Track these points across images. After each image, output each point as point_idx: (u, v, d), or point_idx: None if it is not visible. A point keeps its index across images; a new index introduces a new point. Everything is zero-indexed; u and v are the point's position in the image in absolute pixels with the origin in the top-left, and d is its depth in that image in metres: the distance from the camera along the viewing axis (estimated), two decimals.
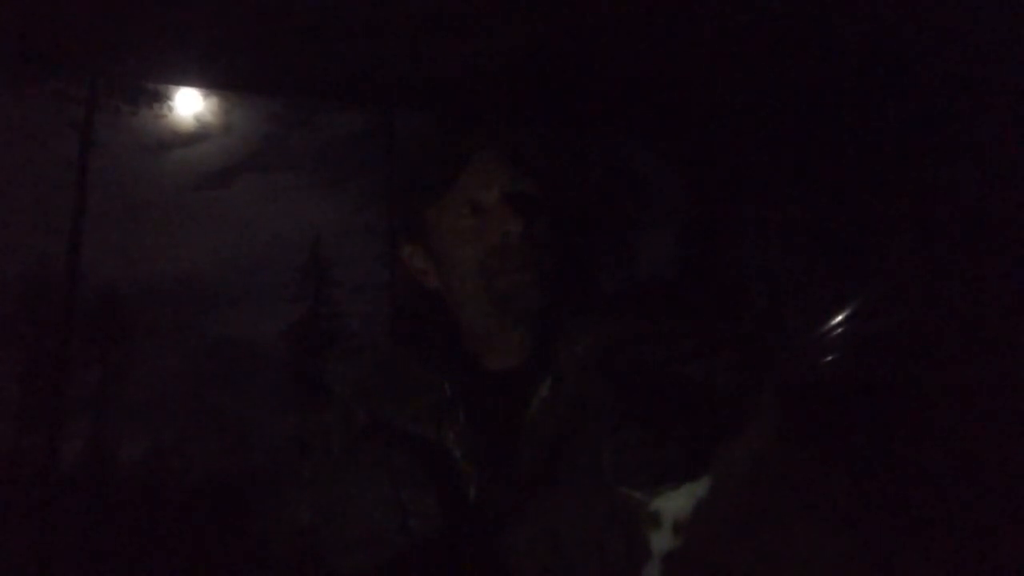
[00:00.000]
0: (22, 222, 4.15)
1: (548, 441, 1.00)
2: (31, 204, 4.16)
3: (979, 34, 1.83)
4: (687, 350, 0.87)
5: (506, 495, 1.06)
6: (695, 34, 1.95)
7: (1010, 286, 1.77)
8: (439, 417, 1.14)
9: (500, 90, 2.22)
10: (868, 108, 2.14)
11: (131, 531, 3.68)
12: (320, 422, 1.23)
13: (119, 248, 4.57)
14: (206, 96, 4.53)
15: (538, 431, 1.06)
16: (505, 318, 1.18)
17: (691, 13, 1.85)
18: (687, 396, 0.85)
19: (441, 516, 1.07)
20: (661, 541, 0.90)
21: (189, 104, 4.64)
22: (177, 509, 4.14)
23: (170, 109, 4.60)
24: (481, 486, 1.10)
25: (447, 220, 1.20)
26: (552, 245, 1.17)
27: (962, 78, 1.98)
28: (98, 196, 4.38)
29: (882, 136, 2.21)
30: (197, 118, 4.75)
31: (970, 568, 0.92)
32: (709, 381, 0.86)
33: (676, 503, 0.89)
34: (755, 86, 2.12)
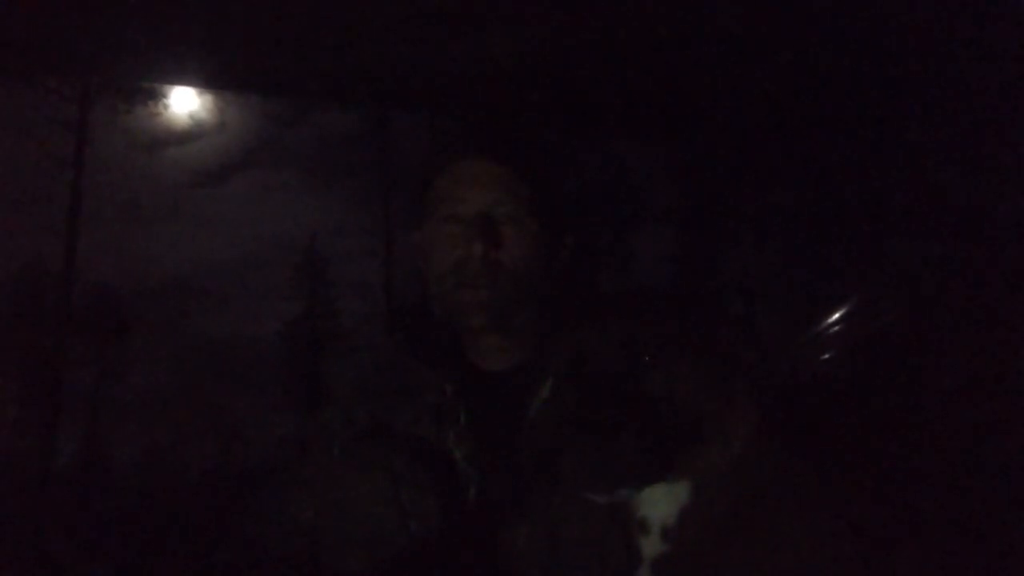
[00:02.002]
0: (17, 221, 4.13)
1: (548, 443, 1.01)
2: (26, 203, 4.14)
3: (974, 36, 1.84)
4: (649, 360, 0.89)
5: (506, 496, 1.07)
6: (691, 40, 1.95)
7: (1005, 286, 1.79)
8: (440, 418, 1.14)
9: (495, 92, 2.22)
10: (863, 110, 2.15)
11: (127, 529, 3.68)
12: (320, 422, 1.23)
13: (115, 247, 4.56)
14: (201, 95, 4.52)
15: (538, 432, 1.07)
16: (459, 326, 1.19)
17: (688, 18, 1.86)
18: (645, 405, 0.87)
19: (441, 516, 1.07)
20: (651, 546, 0.92)
21: (184, 102, 4.64)
22: (173, 507, 4.15)
23: (165, 107, 4.60)
24: (481, 487, 1.11)
25: (432, 222, 1.21)
26: (529, 264, 1.16)
27: (959, 79, 1.99)
28: (93, 195, 4.38)
29: (877, 137, 2.22)
30: (192, 116, 4.74)
31: (962, 569, 0.93)
32: (668, 390, 0.88)
33: (661, 510, 0.91)
34: (750, 90, 2.13)
